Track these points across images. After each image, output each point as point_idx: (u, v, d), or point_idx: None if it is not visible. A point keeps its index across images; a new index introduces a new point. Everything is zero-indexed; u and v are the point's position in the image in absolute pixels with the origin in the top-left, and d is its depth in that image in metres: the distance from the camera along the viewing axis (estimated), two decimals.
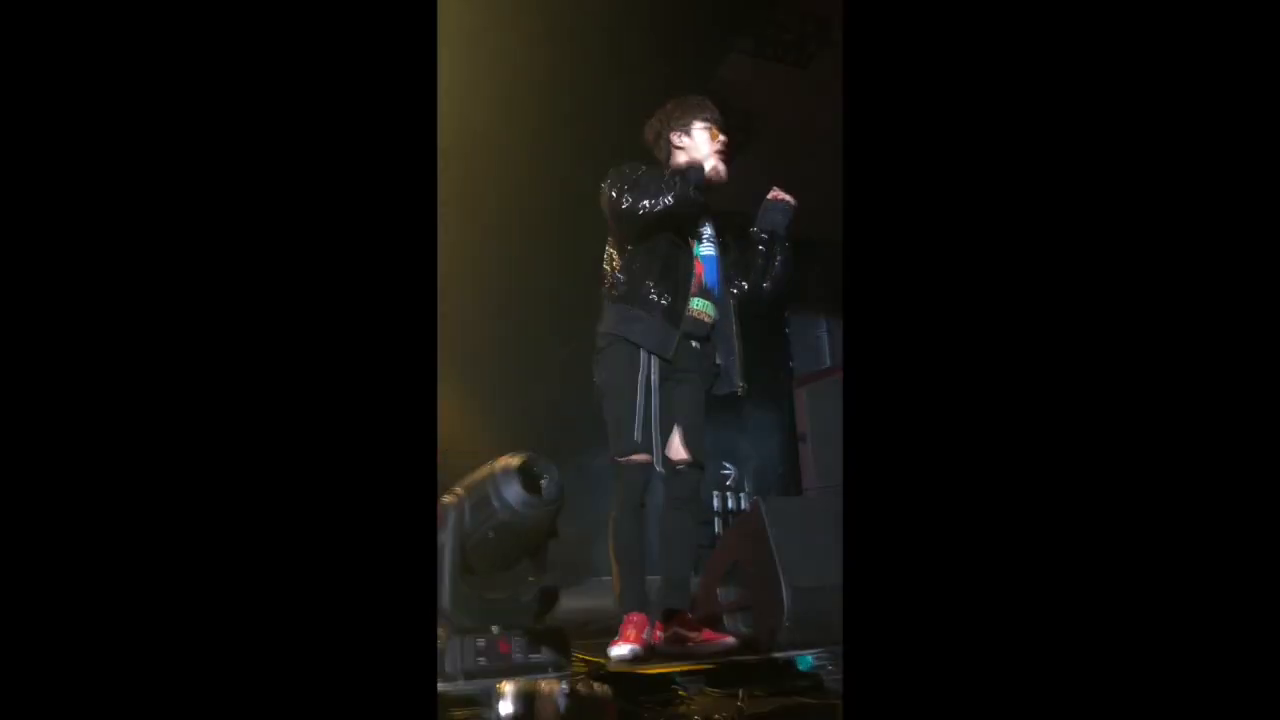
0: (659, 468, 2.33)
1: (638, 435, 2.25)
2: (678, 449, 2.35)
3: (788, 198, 2.42)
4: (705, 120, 2.42)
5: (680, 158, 2.42)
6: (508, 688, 1.31)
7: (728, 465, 6.27)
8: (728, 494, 6.25)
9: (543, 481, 1.70)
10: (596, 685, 1.32)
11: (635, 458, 2.26)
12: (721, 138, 2.39)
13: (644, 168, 2.31)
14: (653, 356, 2.27)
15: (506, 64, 3.43)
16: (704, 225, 2.46)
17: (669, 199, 2.21)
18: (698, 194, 2.26)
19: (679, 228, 2.38)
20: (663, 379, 2.28)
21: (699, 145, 2.41)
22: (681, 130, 2.42)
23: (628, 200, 2.23)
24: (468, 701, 1.45)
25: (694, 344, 2.37)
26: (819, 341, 6.16)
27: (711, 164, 2.32)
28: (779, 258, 2.44)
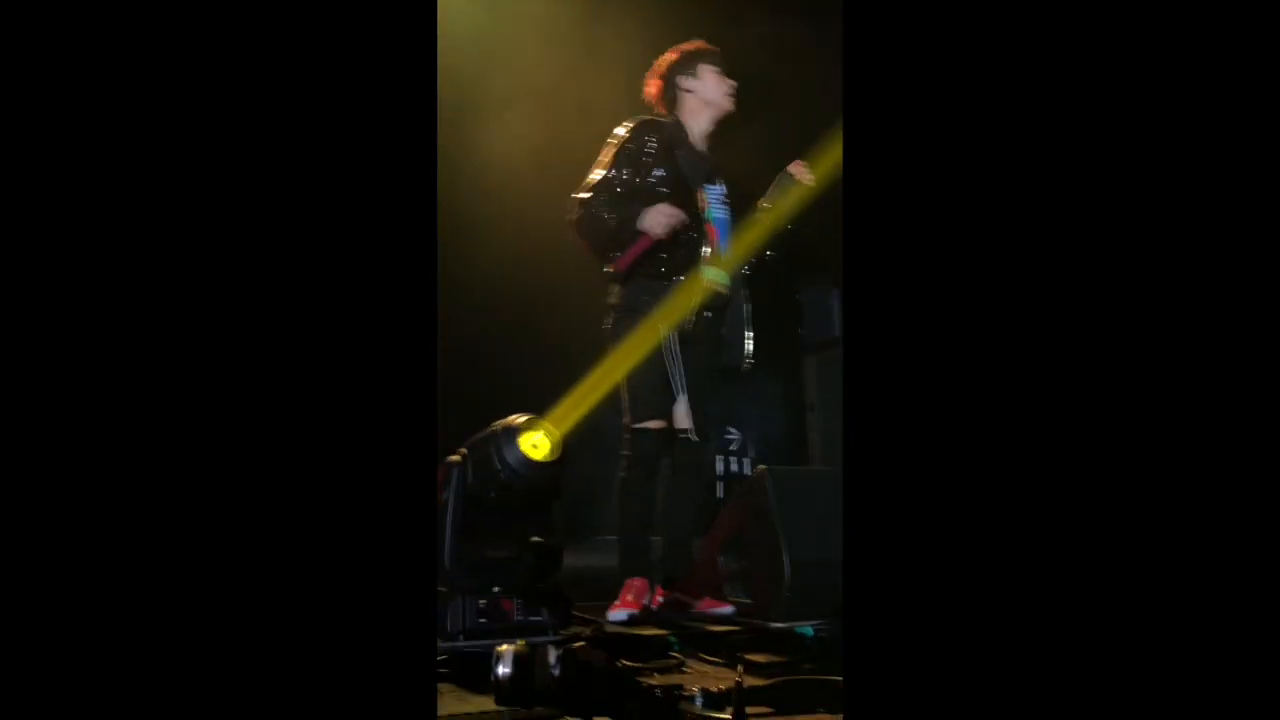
0: (693, 436, 2.33)
1: (657, 403, 2.24)
2: (682, 418, 2.34)
3: (807, 176, 2.34)
4: (712, 63, 2.36)
5: (689, 101, 2.37)
6: (507, 648, 1.31)
7: (732, 430, 6.28)
8: (730, 459, 6.27)
9: (544, 441, 1.70)
10: (593, 651, 1.32)
11: (650, 424, 2.26)
12: (730, 81, 2.34)
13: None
14: (674, 328, 2.25)
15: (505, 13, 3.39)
16: (715, 183, 2.41)
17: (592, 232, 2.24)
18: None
19: (694, 172, 2.34)
20: (681, 347, 2.27)
21: (708, 87, 2.36)
22: (688, 74, 2.37)
23: (589, 225, 2.26)
24: (467, 660, 1.46)
25: (707, 314, 2.35)
26: (829, 311, 6.11)
27: (722, 104, 2.30)
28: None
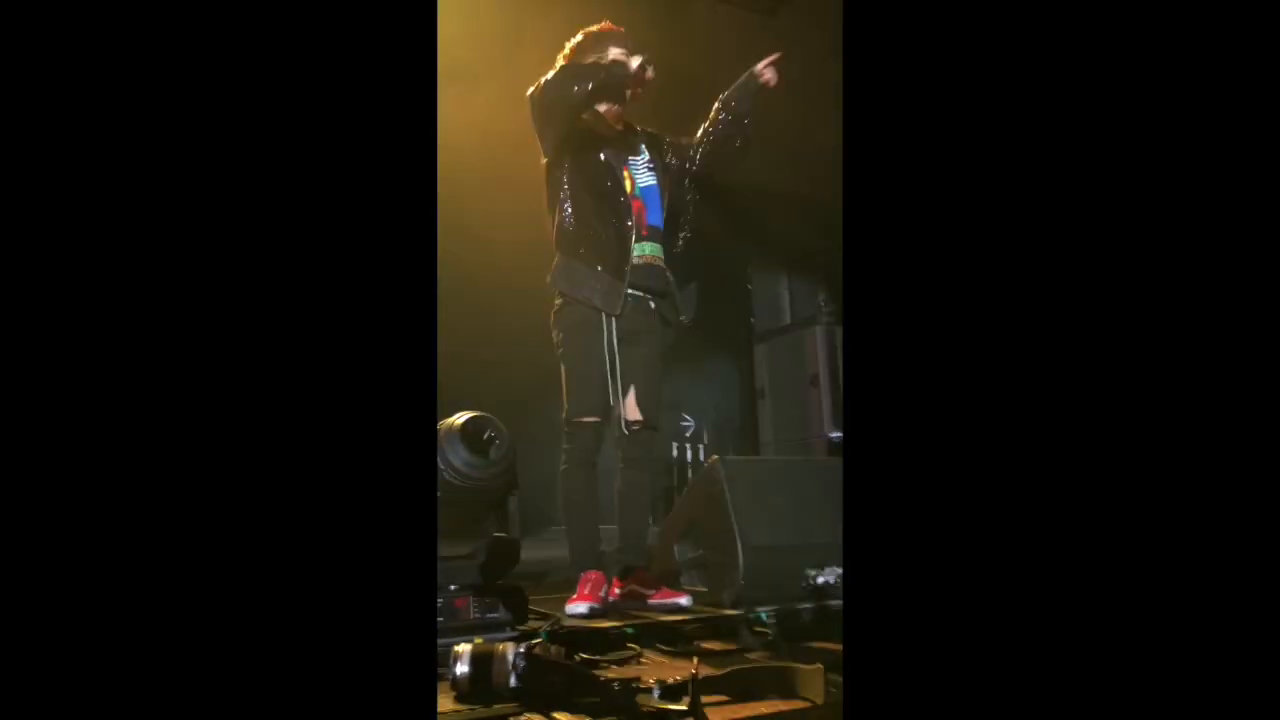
0: (625, 430, 2.33)
1: (595, 398, 2.25)
2: (632, 409, 2.35)
3: (770, 77, 2.28)
4: (620, 46, 2.34)
5: None
6: (464, 648, 1.31)
7: (687, 417, 6.32)
8: (687, 446, 6.32)
9: (491, 440, 1.68)
10: (553, 647, 1.33)
11: (587, 419, 2.27)
12: (637, 57, 2.28)
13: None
14: (612, 318, 2.25)
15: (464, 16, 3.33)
16: (639, 152, 2.41)
17: (595, 79, 2.17)
18: (621, 74, 2.21)
19: (611, 151, 2.33)
20: (623, 337, 2.27)
21: None
22: (597, 56, 2.34)
23: (553, 90, 2.19)
24: None
25: (651, 303, 2.36)
26: (779, 298, 6.18)
27: (638, 62, 2.23)
28: (738, 142, 2.37)
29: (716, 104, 2.36)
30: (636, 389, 2.35)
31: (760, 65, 2.28)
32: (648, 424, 2.36)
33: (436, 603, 1.63)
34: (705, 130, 2.38)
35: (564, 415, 2.31)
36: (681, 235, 2.44)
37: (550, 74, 2.24)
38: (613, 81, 2.22)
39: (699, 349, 5.92)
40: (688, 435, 6.32)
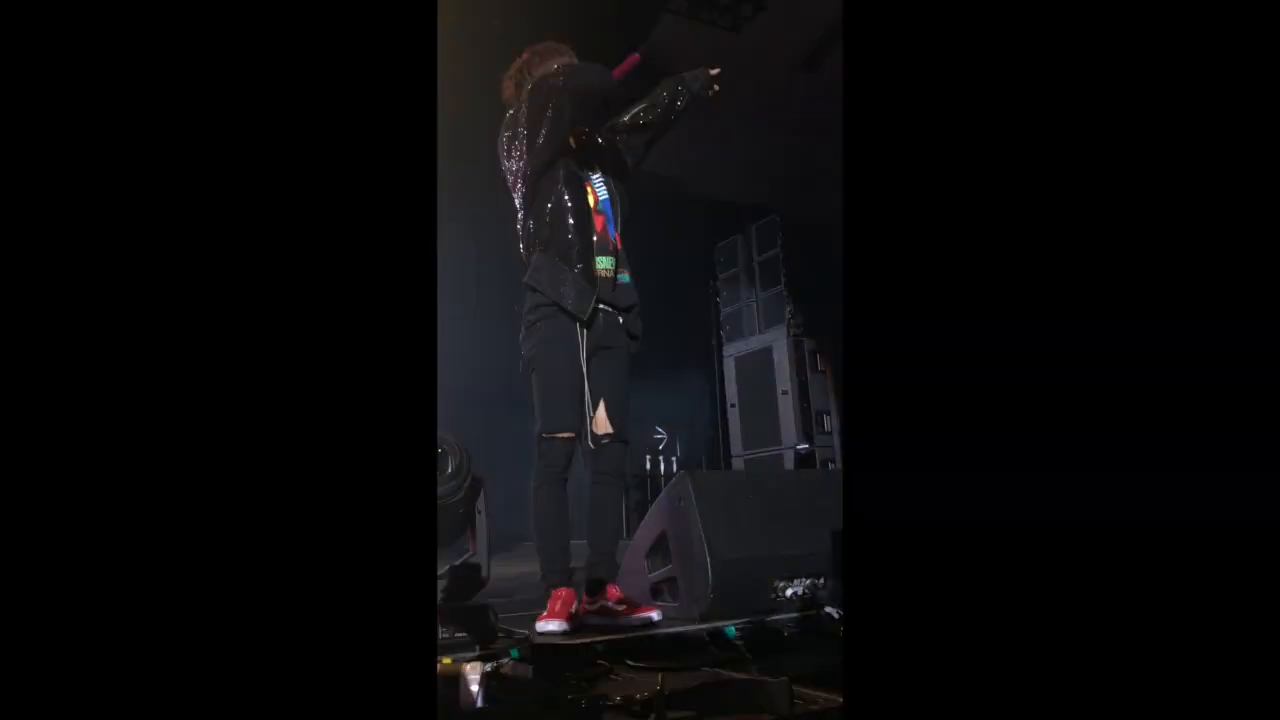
0: (590, 444, 2.33)
1: (568, 413, 2.24)
2: (602, 422, 2.35)
3: (714, 89, 2.42)
4: (565, 56, 2.36)
5: None
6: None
7: (660, 430, 6.34)
8: (660, 458, 6.33)
9: (441, 455, 1.67)
10: (519, 666, 1.32)
11: (560, 435, 2.26)
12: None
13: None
14: (584, 332, 2.26)
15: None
16: (596, 167, 2.44)
17: (589, 78, 2.20)
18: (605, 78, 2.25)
19: (577, 162, 2.36)
20: (592, 352, 2.28)
21: None
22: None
23: (583, 77, 2.21)
24: None
25: (619, 318, 2.37)
26: (747, 311, 6.23)
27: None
28: (674, 114, 2.43)
29: (675, 78, 2.42)
30: (606, 402, 2.35)
31: (714, 71, 2.40)
32: (618, 437, 2.36)
33: (436, 617, 1.61)
34: (657, 96, 2.42)
35: (536, 431, 2.30)
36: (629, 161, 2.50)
37: (563, 64, 2.26)
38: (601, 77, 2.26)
39: (670, 362, 5.95)
40: (660, 448, 6.33)
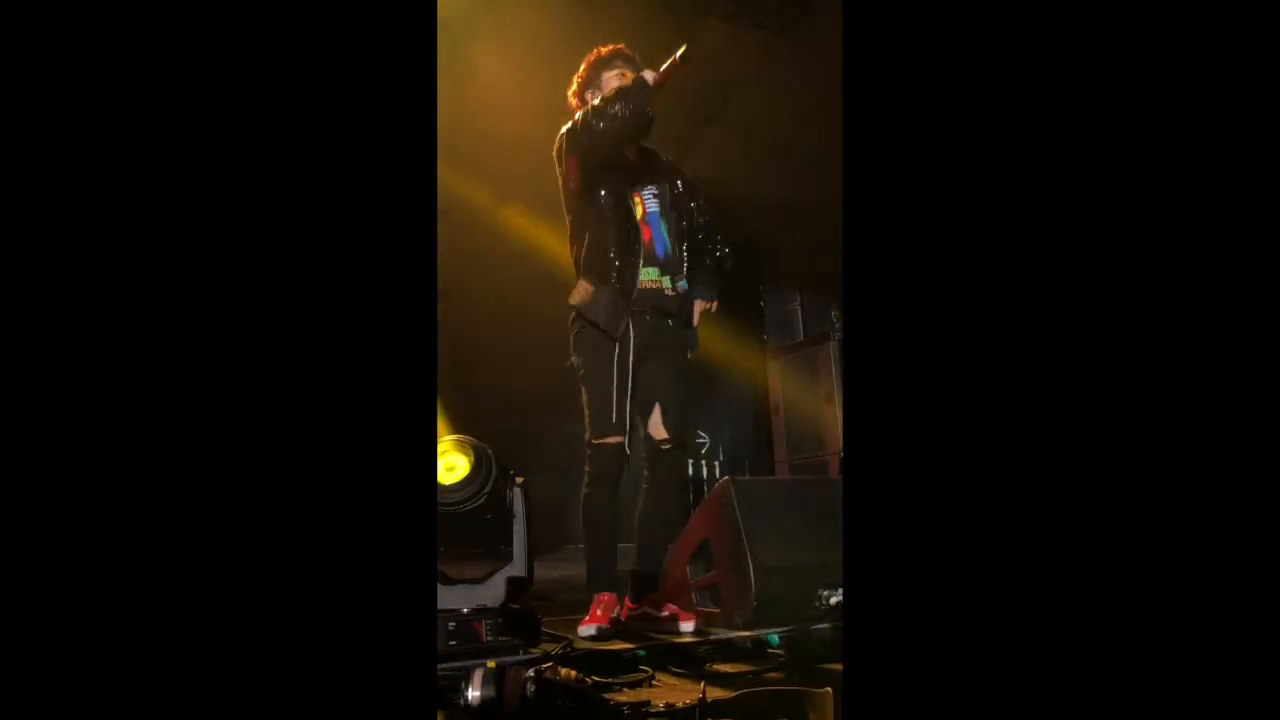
0: (652, 448, 2.35)
1: (614, 419, 2.26)
2: (658, 428, 2.37)
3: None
4: (615, 69, 2.37)
5: None
6: (478, 671, 1.33)
7: (702, 434, 6.34)
8: (703, 463, 6.33)
9: (455, 464, 1.67)
10: (563, 670, 1.34)
11: (609, 440, 2.28)
12: (631, 75, 2.27)
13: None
14: (630, 338, 2.28)
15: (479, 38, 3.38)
16: (648, 180, 2.45)
17: (622, 111, 2.16)
18: (642, 104, 2.17)
19: (625, 177, 2.36)
20: (640, 359, 2.29)
21: None
22: (594, 88, 2.38)
23: (588, 133, 2.20)
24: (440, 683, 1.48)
25: (669, 321, 2.38)
26: (792, 314, 6.20)
27: (649, 75, 2.19)
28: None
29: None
30: (661, 407, 2.36)
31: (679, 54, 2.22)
32: (676, 442, 2.37)
33: (435, 625, 1.63)
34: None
35: (586, 437, 2.32)
36: (717, 251, 2.51)
37: (593, 106, 2.23)
38: (645, 100, 2.19)
39: (714, 366, 5.94)
40: (703, 452, 6.33)
